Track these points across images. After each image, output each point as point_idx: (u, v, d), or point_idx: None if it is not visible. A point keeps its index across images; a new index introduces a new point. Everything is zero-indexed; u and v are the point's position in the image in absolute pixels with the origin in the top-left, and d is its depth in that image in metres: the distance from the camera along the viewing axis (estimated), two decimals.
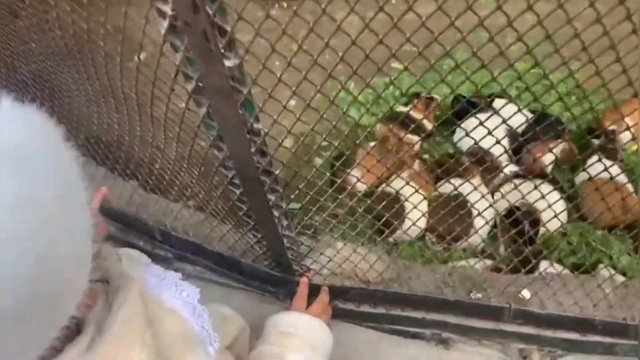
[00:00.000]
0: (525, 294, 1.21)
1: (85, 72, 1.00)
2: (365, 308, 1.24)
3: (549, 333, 1.17)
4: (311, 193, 0.96)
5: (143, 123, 1.02)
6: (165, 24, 0.68)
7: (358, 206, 1.14)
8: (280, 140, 0.86)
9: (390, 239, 1.77)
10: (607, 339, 1.15)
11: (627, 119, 1.61)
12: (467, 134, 0.99)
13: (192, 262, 1.37)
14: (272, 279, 1.24)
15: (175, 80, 0.77)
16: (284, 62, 0.72)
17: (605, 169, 1.06)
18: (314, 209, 1.01)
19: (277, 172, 0.90)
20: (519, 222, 1.51)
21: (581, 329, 1.15)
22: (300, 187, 0.96)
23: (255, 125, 0.80)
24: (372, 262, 1.18)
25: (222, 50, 0.68)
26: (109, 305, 0.62)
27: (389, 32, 0.67)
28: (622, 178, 1.84)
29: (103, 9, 0.83)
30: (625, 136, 2.08)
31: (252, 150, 0.84)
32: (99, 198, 0.98)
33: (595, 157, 2.00)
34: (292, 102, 0.82)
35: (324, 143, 1.64)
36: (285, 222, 1.02)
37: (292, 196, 0.98)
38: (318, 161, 1.73)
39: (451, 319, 1.20)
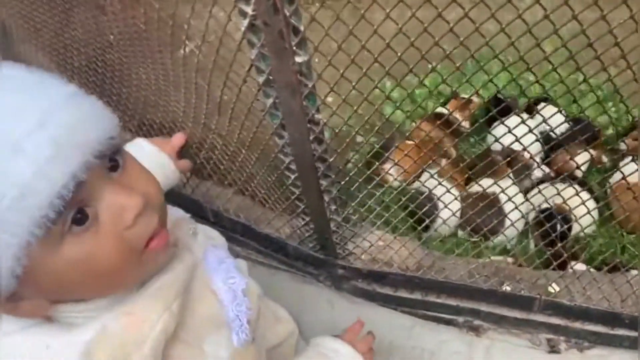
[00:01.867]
0: (555, 287, 1.27)
1: (162, 63, 1.11)
2: (402, 293, 1.33)
3: (577, 325, 1.23)
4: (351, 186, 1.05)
5: (209, 110, 1.12)
6: (245, 22, 0.77)
7: (392, 202, 1.21)
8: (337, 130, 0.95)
9: (423, 235, 1.85)
10: (633, 333, 1.21)
11: None
12: (496, 139, 1.06)
13: (240, 244, 1.48)
14: (316, 261, 1.33)
15: (248, 74, 0.87)
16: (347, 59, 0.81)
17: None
18: (352, 204, 1.10)
19: (330, 160, 0.99)
20: (550, 221, 1.57)
21: (609, 322, 1.21)
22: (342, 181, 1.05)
23: (316, 116, 0.90)
24: (411, 250, 1.27)
25: (294, 48, 0.78)
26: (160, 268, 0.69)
27: (420, 35, 0.75)
28: None
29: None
30: None
31: (311, 138, 0.93)
32: (178, 143, 1.09)
33: (628, 159, 2.05)
34: (330, 99, 0.91)
35: (360, 139, 1.75)
36: (333, 207, 1.11)
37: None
38: (355, 156, 1.81)
39: (484, 307, 1.28)
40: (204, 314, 0.72)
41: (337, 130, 0.96)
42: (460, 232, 2.02)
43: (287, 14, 0.73)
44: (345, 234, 1.20)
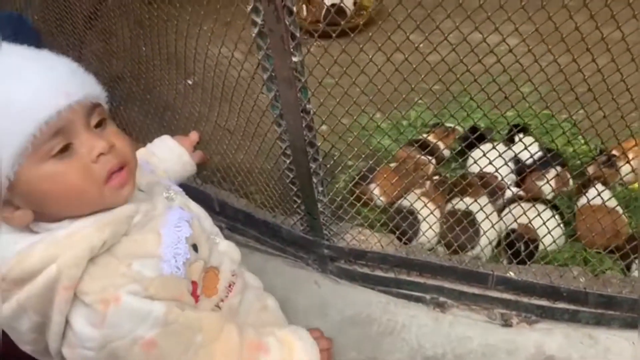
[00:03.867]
0: (511, 274, 1.49)
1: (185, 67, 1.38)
2: (378, 272, 1.55)
3: (525, 299, 1.46)
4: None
5: (222, 109, 1.38)
6: (255, 30, 1.04)
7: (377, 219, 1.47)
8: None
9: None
10: (572, 307, 1.43)
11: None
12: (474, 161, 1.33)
13: (241, 233, 1.71)
14: (306, 243, 1.56)
15: (256, 71, 1.13)
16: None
17: (598, 194, 1.38)
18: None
19: (319, 144, 1.24)
20: (517, 241, 1.79)
21: (551, 296, 1.43)
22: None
23: (307, 106, 1.15)
24: (391, 240, 1.51)
25: (292, 50, 1.04)
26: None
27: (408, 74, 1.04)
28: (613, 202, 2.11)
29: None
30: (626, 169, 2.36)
31: (303, 125, 1.18)
32: (194, 138, 1.34)
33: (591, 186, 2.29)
34: (324, 127, 1.21)
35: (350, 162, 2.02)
36: (320, 188, 1.35)
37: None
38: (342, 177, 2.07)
39: (447, 284, 1.50)
40: (143, 245, 0.88)
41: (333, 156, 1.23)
42: (439, 249, 2.24)
43: (288, 23, 1.00)
44: (330, 215, 1.44)
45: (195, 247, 0.96)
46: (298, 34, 1.02)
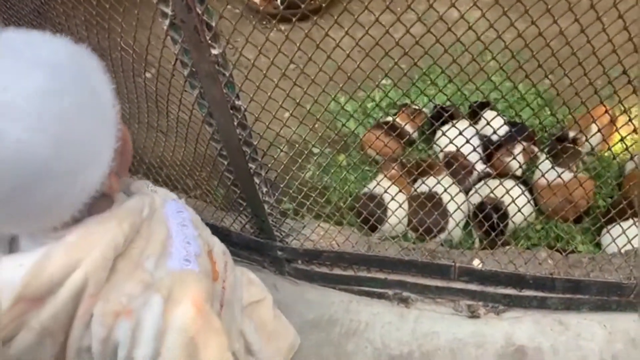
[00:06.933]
0: (476, 262, 1.41)
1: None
2: (337, 271, 1.46)
3: (490, 289, 1.38)
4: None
5: (150, 109, 1.26)
6: (166, 22, 0.92)
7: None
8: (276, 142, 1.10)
9: (375, 236, 1.99)
10: (540, 293, 1.36)
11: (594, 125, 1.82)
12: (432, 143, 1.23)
13: None
14: (258, 247, 1.46)
15: (175, 67, 1.01)
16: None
17: (552, 167, 1.30)
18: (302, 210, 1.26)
19: (255, 143, 1.13)
20: (489, 216, 1.71)
21: (516, 284, 1.36)
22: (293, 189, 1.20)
23: (237, 102, 1.04)
24: (348, 236, 1.41)
25: (209, 41, 0.93)
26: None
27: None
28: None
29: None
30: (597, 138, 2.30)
31: (235, 124, 1.07)
32: None
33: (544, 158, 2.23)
34: (286, 114, 1.09)
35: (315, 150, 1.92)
36: (264, 189, 1.24)
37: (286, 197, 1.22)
38: (309, 166, 1.97)
39: (409, 278, 1.42)
40: (156, 241, 0.81)
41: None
42: (410, 233, 2.16)
43: (200, 12, 0.88)
44: (279, 215, 1.34)
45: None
46: (214, 24, 0.91)
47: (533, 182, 2.12)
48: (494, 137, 2.35)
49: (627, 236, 1.32)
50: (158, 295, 0.72)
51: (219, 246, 1.00)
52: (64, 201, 0.66)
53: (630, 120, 1.08)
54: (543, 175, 1.35)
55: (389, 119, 2.54)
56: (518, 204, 1.43)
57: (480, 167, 2.27)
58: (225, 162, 1.19)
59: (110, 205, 0.77)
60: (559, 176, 1.31)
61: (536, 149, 2.39)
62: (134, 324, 0.70)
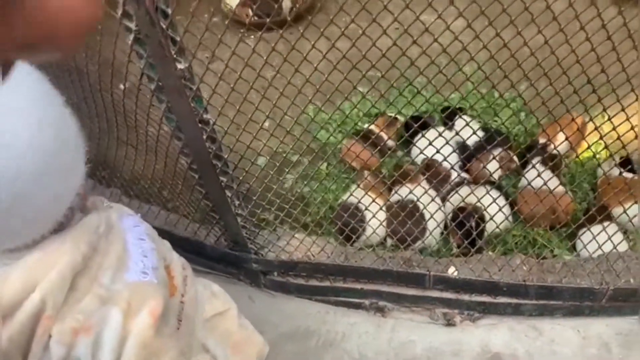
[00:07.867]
0: (451, 270, 1.41)
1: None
2: (313, 282, 1.45)
3: (465, 297, 1.39)
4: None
5: (119, 124, 1.24)
6: (131, 37, 0.91)
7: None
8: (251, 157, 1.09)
9: (354, 245, 1.98)
10: (514, 300, 1.37)
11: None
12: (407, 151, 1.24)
13: None
14: (233, 259, 1.45)
15: (141, 81, 1.00)
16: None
17: (538, 175, 1.32)
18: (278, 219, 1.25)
19: (226, 157, 1.12)
20: (465, 223, 1.72)
21: (491, 291, 1.36)
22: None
23: (205, 116, 1.03)
24: (323, 246, 1.40)
25: (175, 56, 0.92)
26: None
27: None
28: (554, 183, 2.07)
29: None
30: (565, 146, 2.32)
31: (204, 137, 1.06)
32: None
33: (530, 167, 2.25)
34: (267, 124, 1.10)
35: (294, 159, 1.91)
36: (237, 202, 1.23)
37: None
38: (289, 176, 1.95)
39: (384, 287, 1.42)
40: (112, 255, 0.80)
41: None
42: (389, 241, 2.16)
43: (164, 26, 0.87)
44: (252, 228, 1.33)
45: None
46: (179, 38, 0.90)
47: (520, 189, 2.14)
48: (469, 143, 2.37)
49: (597, 242, 1.33)
50: (116, 309, 0.72)
51: (177, 260, 0.99)
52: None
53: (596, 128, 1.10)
54: (529, 184, 1.37)
55: (373, 127, 2.55)
56: (495, 210, 1.44)
57: (462, 175, 2.28)
58: (196, 176, 1.18)
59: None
60: (545, 184, 1.32)
61: (511, 154, 2.41)
62: (94, 340, 0.70)
